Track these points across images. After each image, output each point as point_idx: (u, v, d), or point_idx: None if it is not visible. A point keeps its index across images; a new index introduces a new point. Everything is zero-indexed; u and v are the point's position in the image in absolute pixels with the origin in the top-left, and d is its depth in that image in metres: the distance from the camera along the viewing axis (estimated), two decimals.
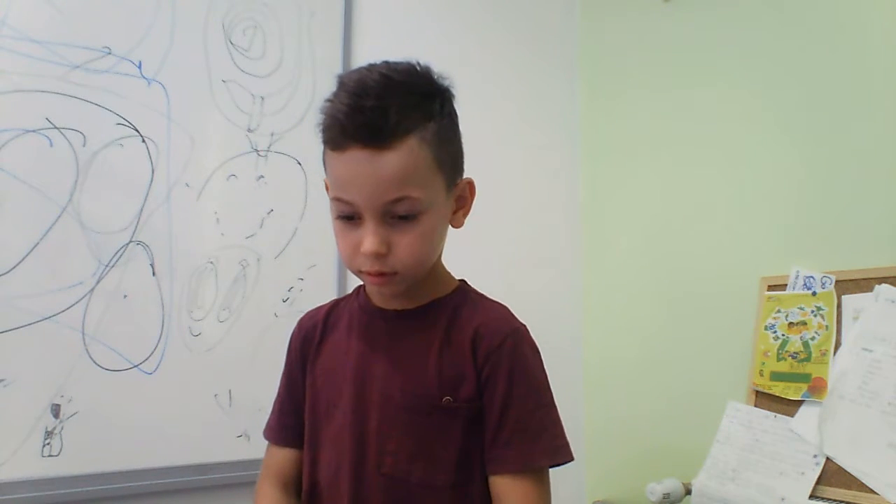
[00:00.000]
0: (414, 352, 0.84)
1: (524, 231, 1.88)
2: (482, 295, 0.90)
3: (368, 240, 0.75)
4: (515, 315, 0.87)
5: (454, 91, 0.82)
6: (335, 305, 0.95)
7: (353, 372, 0.85)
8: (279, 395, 0.96)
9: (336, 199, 0.78)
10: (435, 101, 0.78)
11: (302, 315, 0.98)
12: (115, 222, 1.25)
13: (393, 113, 0.73)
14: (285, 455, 0.93)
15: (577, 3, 2.08)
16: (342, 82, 0.77)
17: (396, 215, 0.76)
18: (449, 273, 0.90)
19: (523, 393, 0.82)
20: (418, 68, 0.79)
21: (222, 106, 1.39)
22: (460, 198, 0.84)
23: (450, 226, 0.85)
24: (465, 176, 0.85)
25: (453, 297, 0.87)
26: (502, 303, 0.89)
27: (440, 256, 0.87)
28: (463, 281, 0.91)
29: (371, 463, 0.81)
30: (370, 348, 0.86)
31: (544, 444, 0.81)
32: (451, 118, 0.82)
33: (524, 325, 0.86)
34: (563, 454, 0.82)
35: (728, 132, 1.66)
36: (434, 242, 0.82)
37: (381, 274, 0.78)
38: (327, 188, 0.84)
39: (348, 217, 0.77)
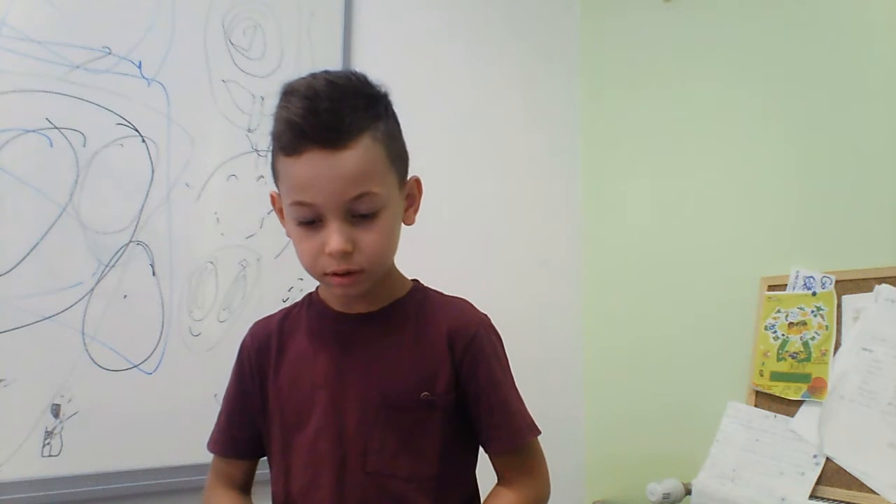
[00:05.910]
0: (386, 353, 0.86)
1: (524, 231, 1.88)
2: (440, 292, 0.93)
3: (335, 238, 0.76)
4: (476, 307, 0.92)
5: (391, 97, 0.85)
6: (287, 314, 0.95)
7: (324, 378, 0.86)
8: (227, 407, 0.95)
9: (296, 204, 0.78)
10: (379, 103, 0.81)
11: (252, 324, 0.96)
12: (115, 222, 1.25)
13: (347, 113, 0.76)
14: (235, 464, 0.94)
15: (577, 3, 2.08)
16: (292, 89, 0.78)
17: (358, 213, 0.78)
18: (402, 273, 0.92)
19: (500, 377, 0.88)
20: (356, 76, 0.82)
21: (222, 106, 1.39)
22: (409, 195, 0.87)
23: (403, 224, 0.87)
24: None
25: (414, 297, 0.90)
26: (463, 297, 0.93)
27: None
28: (416, 280, 0.94)
29: (353, 463, 0.83)
30: (340, 353, 0.87)
31: (527, 420, 0.89)
32: (395, 119, 0.84)
33: (487, 315, 0.91)
34: (537, 428, 0.90)
35: (728, 132, 1.66)
36: (394, 238, 0.84)
37: (348, 273, 0.79)
38: (273, 202, 0.87)
39: (308, 221, 0.78)
